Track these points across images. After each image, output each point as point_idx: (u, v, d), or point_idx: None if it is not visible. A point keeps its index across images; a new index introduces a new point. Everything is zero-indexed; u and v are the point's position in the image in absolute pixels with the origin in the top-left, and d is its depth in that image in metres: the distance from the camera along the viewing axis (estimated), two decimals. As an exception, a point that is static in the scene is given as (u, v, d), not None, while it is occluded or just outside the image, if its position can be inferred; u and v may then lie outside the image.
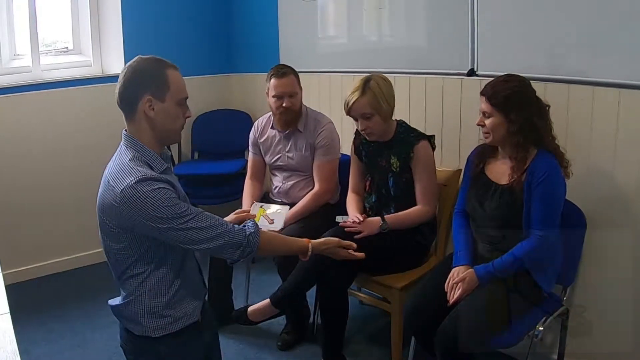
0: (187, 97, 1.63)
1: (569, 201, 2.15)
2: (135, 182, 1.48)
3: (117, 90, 1.58)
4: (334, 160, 2.89)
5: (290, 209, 2.78)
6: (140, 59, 1.59)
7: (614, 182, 2.22)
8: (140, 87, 1.55)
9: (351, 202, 2.72)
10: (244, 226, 1.65)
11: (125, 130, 1.61)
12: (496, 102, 2.06)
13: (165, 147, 1.69)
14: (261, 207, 2.78)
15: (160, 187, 1.50)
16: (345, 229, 2.47)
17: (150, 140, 1.59)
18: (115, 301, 1.68)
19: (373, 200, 2.65)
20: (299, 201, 2.86)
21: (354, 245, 1.91)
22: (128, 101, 1.57)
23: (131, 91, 1.56)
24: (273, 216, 2.72)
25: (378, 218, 2.52)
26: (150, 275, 1.60)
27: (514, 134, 2.07)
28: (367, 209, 2.68)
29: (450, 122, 2.80)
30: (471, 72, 2.66)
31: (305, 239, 1.82)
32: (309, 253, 1.80)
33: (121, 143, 1.62)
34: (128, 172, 1.51)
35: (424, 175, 2.51)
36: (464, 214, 2.32)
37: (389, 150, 2.56)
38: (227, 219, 1.86)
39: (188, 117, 1.65)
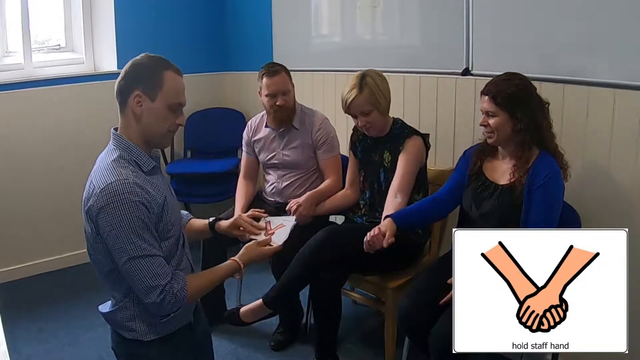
0: (182, 104, 1.60)
1: (563, 201, 2.14)
2: (116, 183, 1.46)
3: (116, 81, 1.58)
4: (338, 155, 2.92)
5: (296, 222, 2.17)
6: (144, 55, 1.58)
7: (608, 183, 2.22)
8: (134, 81, 1.54)
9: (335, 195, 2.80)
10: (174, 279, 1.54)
11: (114, 128, 1.60)
12: (501, 101, 2.05)
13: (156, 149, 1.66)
14: (268, 221, 2.27)
15: (137, 201, 1.46)
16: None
17: (138, 138, 1.57)
18: (105, 308, 1.66)
19: (367, 196, 2.65)
20: (292, 200, 2.75)
21: (269, 240, 1.88)
22: (122, 94, 1.56)
23: (125, 84, 1.55)
24: (275, 228, 2.14)
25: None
26: None
27: (519, 133, 2.06)
28: (362, 206, 2.69)
29: (445, 122, 2.80)
30: (466, 72, 2.66)
31: (231, 259, 1.74)
32: (243, 269, 1.73)
33: (110, 142, 1.59)
34: (111, 172, 1.49)
35: (401, 164, 2.48)
36: (437, 200, 2.33)
37: (383, 146, 2.57)
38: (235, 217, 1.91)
39: (180, 124, 1.60)
